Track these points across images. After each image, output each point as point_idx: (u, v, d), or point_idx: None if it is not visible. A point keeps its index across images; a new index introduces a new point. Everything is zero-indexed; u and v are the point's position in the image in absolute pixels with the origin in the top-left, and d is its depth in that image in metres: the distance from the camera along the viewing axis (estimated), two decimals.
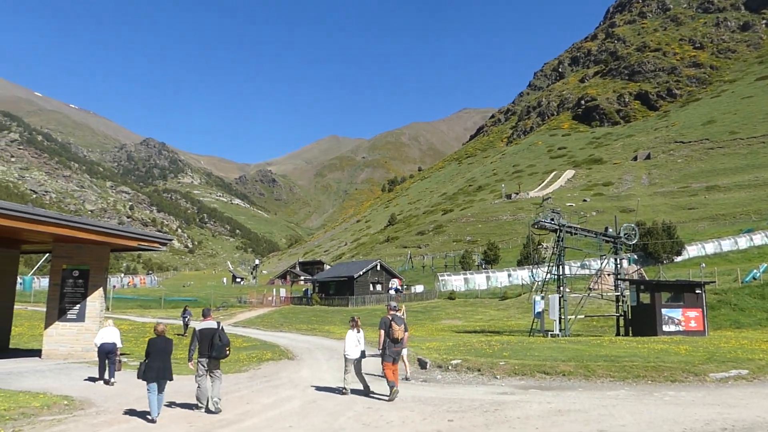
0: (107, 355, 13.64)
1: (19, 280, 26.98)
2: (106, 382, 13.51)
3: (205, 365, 10.30)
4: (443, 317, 43.29)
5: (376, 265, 65.52)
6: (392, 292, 60.97)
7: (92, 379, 13.82)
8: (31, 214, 14.73)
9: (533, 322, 29.91)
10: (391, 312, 12.47)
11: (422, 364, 17.40)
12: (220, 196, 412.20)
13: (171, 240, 21.40)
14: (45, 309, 19.03)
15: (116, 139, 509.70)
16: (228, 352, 10.41)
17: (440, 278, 63.40)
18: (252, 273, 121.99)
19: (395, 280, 64.30)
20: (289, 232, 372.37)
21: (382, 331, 12.20)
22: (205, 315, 10.91)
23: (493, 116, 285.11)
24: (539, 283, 38.64)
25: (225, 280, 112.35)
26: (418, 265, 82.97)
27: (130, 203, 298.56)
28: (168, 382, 10.01)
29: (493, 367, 15.40)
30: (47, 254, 44.18)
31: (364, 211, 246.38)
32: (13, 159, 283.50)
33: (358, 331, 12.44)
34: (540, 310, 28.74)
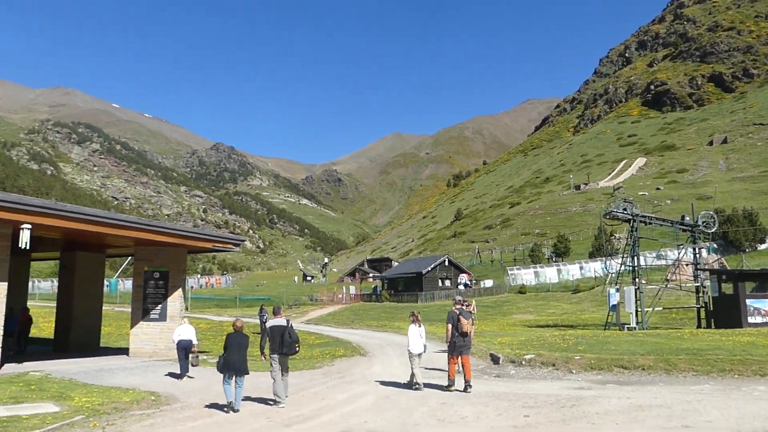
0: (185, 350, 14.45)
1: (105, 282, 28.52)
2: (181, 377, 14.26)
3: (277, 360, 10.70)
4: (514, 312, 42.71)
5: (444, 260, 65.32)
6: (461, 287, 60.65)
7: (175, 376, 14.42)
8: (114, 220, 15.57)
9: (608, 315, 29.11)
10: (458, 306, 12.67)
11: (495, 360, 17.25)
12: (288, 196, 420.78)
13: (243, 241, 22.06)
14: (130, 309, 19.99)
15: (188, 145, 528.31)
16: (297, 348, 10.87)
17: (510, 272, 62.58)
18: (321, 271, 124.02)
19: (464, 275, 63.90)
20: (356, 230, 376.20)
21: (450, 325, 12.49)
22: (276, 313, 11.35)
23: (558, 106, 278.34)
24: (613, 275, 37.54)
25: (296, 278, 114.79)
26: (486, 260, 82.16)
27: (204, 206, 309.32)
28: (245, 376, 10.47)
29: (568, 361, 15.10)
30: (130, 257, 46.39)
31: (429, 206, 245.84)
32: (95, 168, 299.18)
33: (419, 326, 12.59)
34: (615, 302, 27.93)
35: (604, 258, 51.76)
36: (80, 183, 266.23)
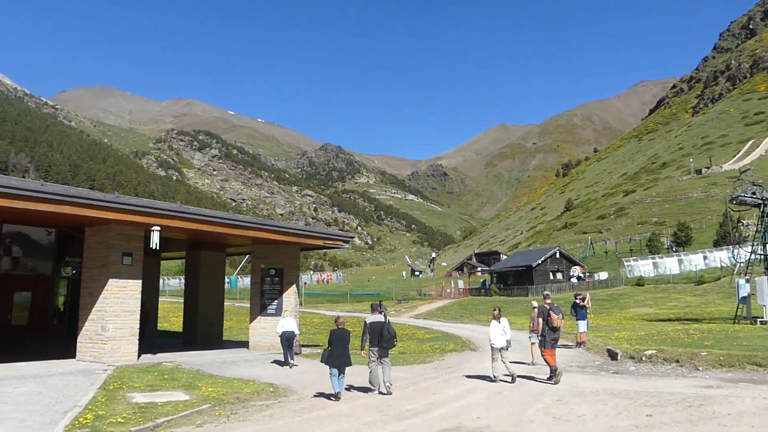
0: (288, 341, 15.55)
1: (226, 279, 30.35)
2: (286, 365, 15.41)
3: (376, 353, 11.59)
4: (632, 305, 40.71)
5: (555, 252, 63.44)
6: (573, 280, 58.64)
7: (280, 363, 14.99)
8: (233, 220, 16.49)
9: (738, 308, 27.03)
10: (547, 302, 13.25)
11: (612, 355, 16.56)
12: (394, 193, 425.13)
13: (352, 238, 22.57)
14: (248, 305, 21.04)
15: (298, 146, 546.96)
16: (395, 342, 11.77)
17: (626, 264, 59.65)
18: (429, 266, 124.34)
19: (576, 267, 61.73)
20: (463, 224, 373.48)
21: (541, 320, 13.09)
22: (374, 310, 12.20)
23: (674, 86, 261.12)
24: (742, 264, 34.82)
25: (404, 273, 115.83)
26: (600, 251, 78.83)
27: (314, 205, 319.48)
28: (348, 367, 11.26)
29: (694, 357, 14.21)
30: (247, 256, 48.77)
31: (538, 198, 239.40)
32: (215, 172, 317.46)
33: (500, 321, 13.02)
34: (745, 294, 25.87)
35: (731, 246, 48.09)
36: (202, 187, 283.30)
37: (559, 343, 14.03)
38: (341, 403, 10.65)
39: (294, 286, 19.71)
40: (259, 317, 19.68)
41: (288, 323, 15.85)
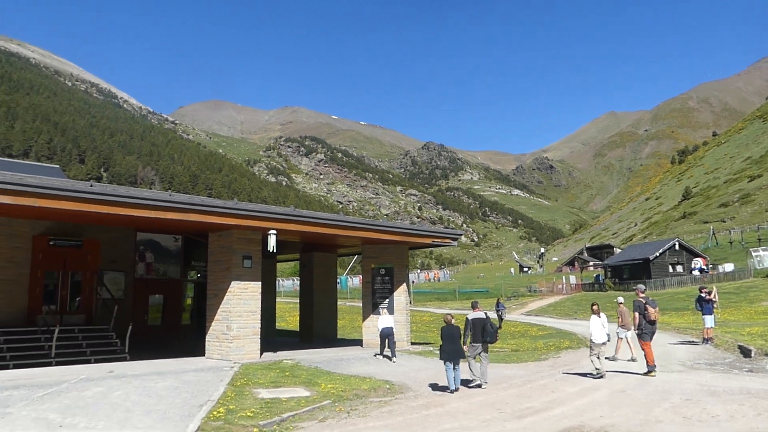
0: (387, 337, 16.41)
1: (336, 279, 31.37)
2: (380, 356, 16.48)
3: (479, 348, 12.12)
4: (763, 298, 37.64)
5: (674, 244, 59.87)
6: (695, 272, 55.14)
7: (382, 356, 15.19)
8: (344, 221, 16.96)
9: None
10: (641, 295, 13.39)
11: (745, 352, 15.45)
12: (499, 188, 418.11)
13: (461, 235, 22.48)
14: (360, 304, 21.52)
15: (401, 147, 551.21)
16: (497, 337, 12.45)
17: (754, 254, 55.26)
18: (538, 261, 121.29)
19: (698, 259, 58.00)
20: (571, 217, 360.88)
21: (637, 314, 13.15)
22: (474, 307, 12.69)
23: None
24: None
25: (512, 270, 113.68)
26: (723, 241, 73.50)
27: (418, 204, 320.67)
28: (461, 360, 11.80)
29: None
30: (356, 256, 49.90)
31: (652, 187, 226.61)
32: (321, 176, 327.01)
33: (599, 316, 13.09)
34: None
35: None
36: (309, 191, 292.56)
37: (685, 340, 13.36)
38: (458, 400, 10.67)
39: (404, 284, 19.93)
40: (371, 315, 20.07)
41: (386, 320, 16.67)
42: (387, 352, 16.55)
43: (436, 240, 20.22)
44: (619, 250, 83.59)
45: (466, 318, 12.36)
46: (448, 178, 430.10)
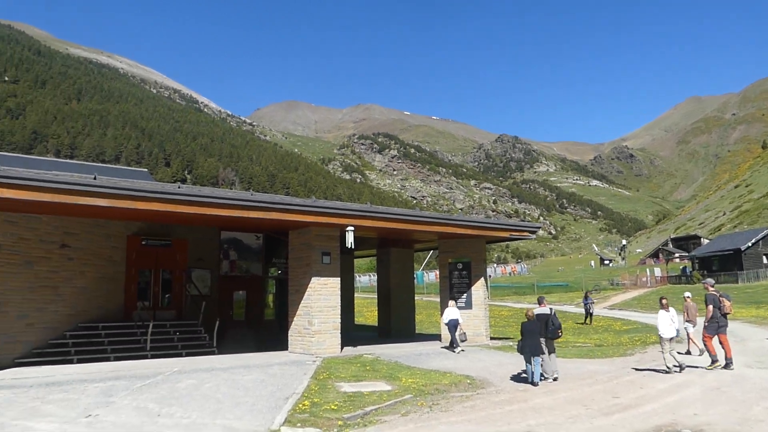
0: (453, 329, 17.00)
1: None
2: (453, 350, 16.70)
3: (544, 343, 12.15)
4: None
5: None
6: None
7: (449, 348, 15.07)
8: (420, 217, 16.99)
9: None
10: (712, 290, 13.32)
11: None
12: (576, 179, 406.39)
13: (539, 228, 22.04)
14: (436, 299, 21.52)
15: (474, 140, 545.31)
16: (560, 333, 12.62)
17: None
18: (620, 254, 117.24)
19: None
20: (654, 207, 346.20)
21: (711, 306, 13.13)
22: (540, 302, 13.19)
23: None
24: None
25: (592, 263, 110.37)
26: None
27: (493, 197, 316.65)
28: (541, 356, 11.92)
29: None
30: (431, 251, 49.85)
31: (742, 174, 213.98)
32: (395, 172, 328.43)
33: (668, 311, 12.84)
34: None
35: None
36: (383, 187, 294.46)
37: None
38: (542, 395, 10.50)
39: (482, 279, 19.75)
40: None
41: (452, 312, 17.31)
42: (453, 346, 16.84)
43: (513, 233, 19.92)
44: (706, 241, 79.60)
45: (533, 313, 12.55)
46: (523, 170, 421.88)
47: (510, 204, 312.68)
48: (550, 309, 12.75)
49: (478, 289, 19.60)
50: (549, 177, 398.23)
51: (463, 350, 16.62)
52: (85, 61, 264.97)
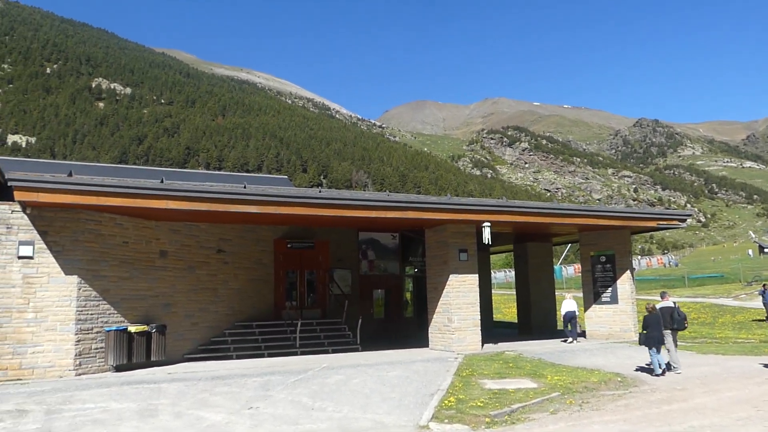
0: (570, 320, 18.03)
1: None
2: (569, 342, 17.72)
3: (669, 335, 12.68)
4: None
5: None
6: None
7: (565, 340, 14.31)
8: (559, 209, 16.52)
9: None
10: None
11: None
12: (727, 162, 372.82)
13: (689, 215, 20.51)
14: (575, 294, 20.76)
15: (609, 126, 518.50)
16: (686, 325, 13.22)
17: None
18: None
19: None
20: None
21: None
22: (663, 297, 13.60)
23: None
24: None
25: (750, 252, 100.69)
26: None
27: (633, 186, 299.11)
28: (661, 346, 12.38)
29: None
30: (569, 245, 48.06)
31: None
32: (526, 165, 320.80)
33: None
34: None
35: None
36: (515, 181, 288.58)
37: None
38: (703, 394, 9.82)
39: (628, 272, 18.79)
40: (593, 305, 19.28)
41: (570, 305, 18.37)
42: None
43: (661, 222, 18.73)
44: None
45: (654, 306, 12.89)
46: (665, 155, 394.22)
47: (652, 192, 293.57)
48: (674, 302, 13.32)
49: (624, 283, 18.66)
50: (695, 161, 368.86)
51: (578, 341, 17.73)
52: (227, 79, 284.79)
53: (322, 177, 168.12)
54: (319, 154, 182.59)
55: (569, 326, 18.17)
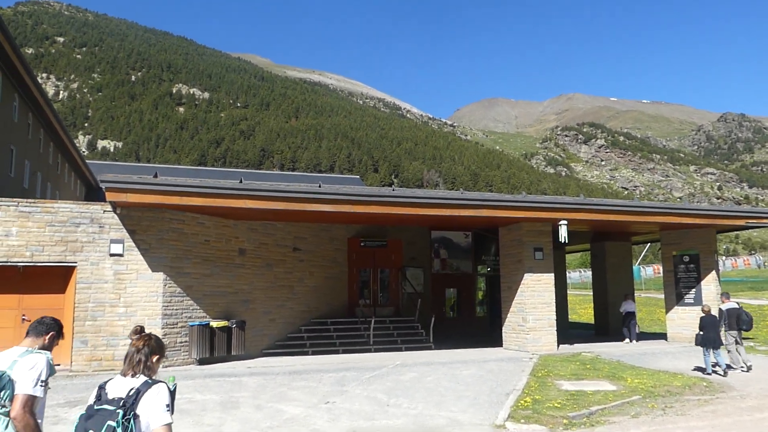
0: (629, 320, 18.40)
1: None
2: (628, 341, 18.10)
3: (734, 336, 12.84)
4: None
5: None
6: None
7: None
8: (640, 207, 15.96)
9: None
10: None
11: None
12: None
13: None
14: (656, 295, 20.00)
15: (691, 122, 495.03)
16: (752, 325, 13.18)
17: None
18: None
19: None
20: None
21: None
22: (726, 298, 13.65)
23: None
24: None
25: None
26: None
27: (717, 183, 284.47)
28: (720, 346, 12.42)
29: None
30: (648, 244, 46.27)
31: None
32: (603, 163, 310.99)
33: None
34: None
35: None
36: (590, 179, 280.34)
37: None
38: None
39: (713, 272, 17.96)
40: (675, 307, 18.50)
41: (628, 305, 18.74)
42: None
43: (750, 221, 17.79)
44: None
45: (719, 309, 13.19)
46: (752, 151, 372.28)
47: (738, 190, 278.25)
48: (737, 303, 13.41)
49: (709, 284, 17.81)
50: None
51: (635, 342, 17.83)
52: (300, 82, 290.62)
53: (393, 177, 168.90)
54: (390, 154, 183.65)
55: (632, 327, 18.49)
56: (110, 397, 2.79)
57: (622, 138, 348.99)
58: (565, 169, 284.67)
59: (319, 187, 12.98)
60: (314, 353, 15.11)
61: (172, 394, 2.86)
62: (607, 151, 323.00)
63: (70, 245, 12.17)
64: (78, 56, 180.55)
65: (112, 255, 12.40)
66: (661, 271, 19.91)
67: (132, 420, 2.67)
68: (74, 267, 12.19)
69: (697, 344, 12.77)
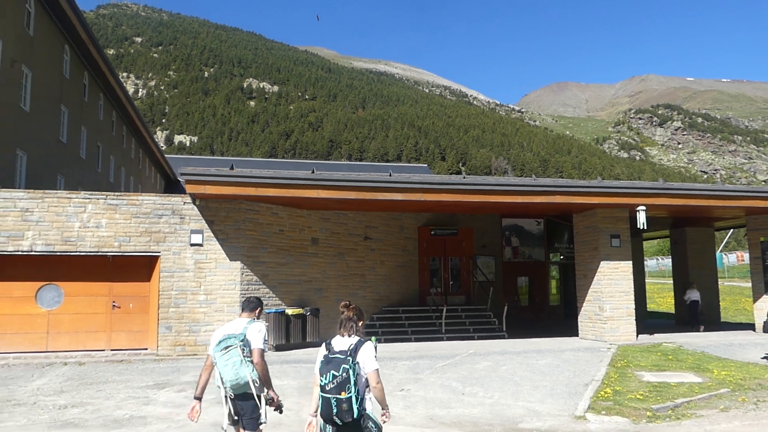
0: (692, 308, 18.69)
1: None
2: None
3: None
4: None
5: None
6: None
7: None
8: (724, 191, 15.20)
9: None
10: None
11: None
12: None
13: None
14: (740, 283, 19.06)
15: None
16: None
17: None
18: None
19: None
20: None
21: None
22: None
23: None
24: None
25: None
26: None
27: None
28: None
29: None
30: (731, 230, 44.04)
31: None
32: (679, 146, 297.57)
33: None
34: None
35: None
36: (667, 162, 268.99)
37: None
38: None
39: None
40: (763, 296, 17.50)
41: (693, 294, 18.78)
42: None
43: None
44: None
45: None
46: None
47: None
48: None
49: None
50: None
51: (701, 331, 17.49)
52: (366, 72, 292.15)
53: (460, 164, 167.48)
54: (458, 142, 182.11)
55: (697, 316, 18.60)
56: (336, 350, 4.02)
57: (700, 119, 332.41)
58: (639, 153, 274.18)
59: (390, 175, 13.02)
60: (386, 341, 15.22)
61: (375, 348, 4.05)
62: (685, 133, 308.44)
63: (153, 236, 12.72)
64: (155, 55, 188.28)
65: (192, 245, 12.88)
66: (746, 258, 18.96)
67: (356, 364, 3.91)
68: (158, 256, 12.74)
69: (764, 331, 12.80)
